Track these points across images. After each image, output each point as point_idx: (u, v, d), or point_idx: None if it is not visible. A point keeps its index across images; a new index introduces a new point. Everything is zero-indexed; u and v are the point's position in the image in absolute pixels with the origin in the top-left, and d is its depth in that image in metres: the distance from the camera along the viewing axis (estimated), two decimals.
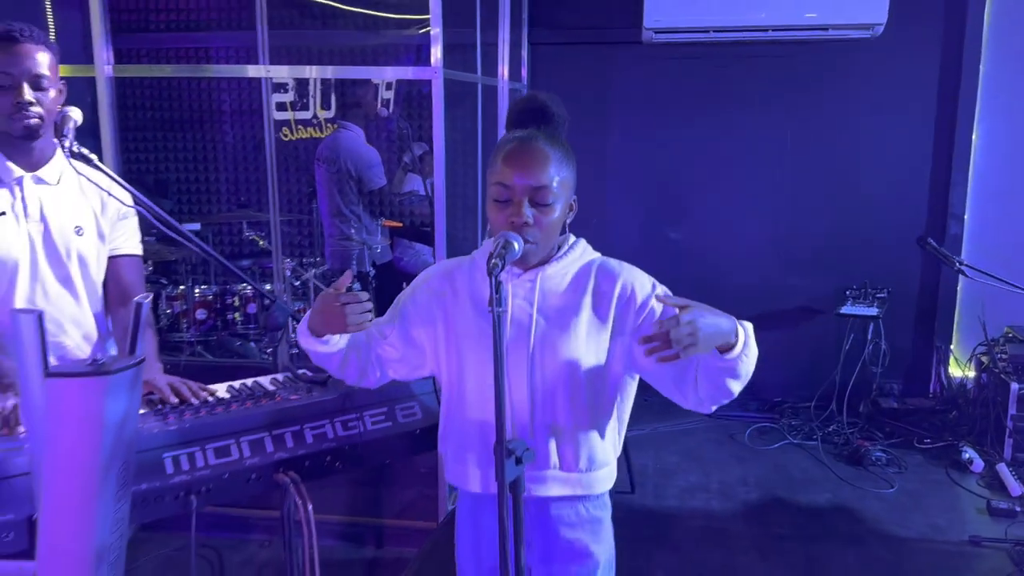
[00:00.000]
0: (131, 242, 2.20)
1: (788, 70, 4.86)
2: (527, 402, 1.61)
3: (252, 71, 3.17)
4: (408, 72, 3.02)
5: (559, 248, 1.69)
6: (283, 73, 2.99)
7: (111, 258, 2.15)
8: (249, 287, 3.98)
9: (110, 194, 2.11)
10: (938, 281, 4.86)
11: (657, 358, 1.43)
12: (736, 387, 1.55)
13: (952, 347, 4.91)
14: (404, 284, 4.28)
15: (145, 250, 4.11)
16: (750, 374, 1.54)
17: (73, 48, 4.40)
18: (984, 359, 4.49)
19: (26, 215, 1.98)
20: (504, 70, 4.16)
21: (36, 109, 1.90)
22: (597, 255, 1.74)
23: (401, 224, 4.55)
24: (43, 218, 2.00)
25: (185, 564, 3.21)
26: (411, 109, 5.42)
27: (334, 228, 4.39)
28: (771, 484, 4.07)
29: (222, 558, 3.37)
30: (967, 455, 4.16)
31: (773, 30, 4.54)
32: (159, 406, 1.80)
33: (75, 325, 2.06)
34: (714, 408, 1.62)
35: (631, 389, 1.72)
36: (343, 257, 4.34)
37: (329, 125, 5.65)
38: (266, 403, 1.81)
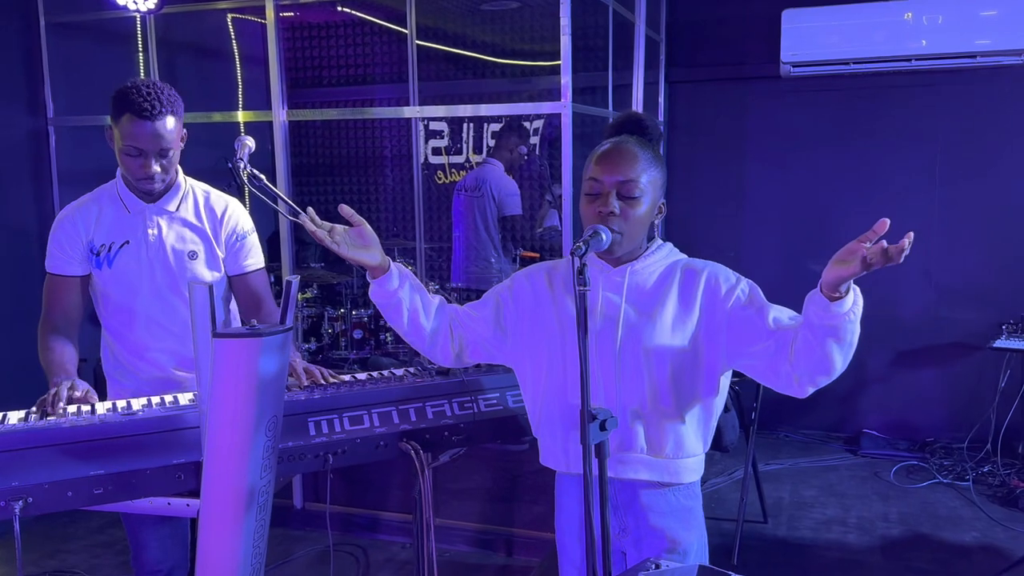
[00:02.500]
0: (255, 259, 2.39)
1: (935, 100, 4.76)
2: (615, 389, 1.74)
3: (407, 112, 3.55)
4: (540, 108, 3.29)
5: (647, 248, 1.85)
6: (431, 112, 3.34)
7: (241, 276, 2.38)
8: None
9: (220, 219, 2.34)
10: None
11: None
12: (838, 358, 1.57)
13: None
14: None
15: (310, 275, 4.63)
16: (854, 346, 1.57)
17: (257, 99, 5.03)
18: None
19: (147, 243, 2.25)
20: (639, 107, 4.37)
21: (160, 175, 2.15)
22: (684, 256, 1.87)
23: (539, 255, 4.81)
24: (162, 245, 2.25)
25: (336, 559, 3.54)
26: (555, 150, 5.72)
27: (471, 252, 4.72)
28: (915, 521, 3.92)
29: (368, 556, 3.67)
30: None
31: (917, 59, 4.49)
32: (307, 385, 2.09)
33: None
34: (811, 390, 1.66)
35: (722, 383, 1.80)
36: (478, 279, 4.66)
37: None
38: (394, 383, 2.07)
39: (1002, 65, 4.38)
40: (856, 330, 1.56)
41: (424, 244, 3.79)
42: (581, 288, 1.54)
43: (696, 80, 5.16)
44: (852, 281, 1.52)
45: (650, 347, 1.73)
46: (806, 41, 4.67)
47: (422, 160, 3.81)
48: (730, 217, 5.09)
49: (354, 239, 1.79)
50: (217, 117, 4.04)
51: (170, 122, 2.12)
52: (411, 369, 2.28)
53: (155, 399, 2.01)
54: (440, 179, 6.09)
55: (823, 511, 4.08)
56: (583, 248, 1.58)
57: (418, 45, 4.01)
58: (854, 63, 4.63)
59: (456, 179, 6.10)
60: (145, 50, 4.26)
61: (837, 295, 1.52)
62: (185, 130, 2.24)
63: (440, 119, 5.84)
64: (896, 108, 4.84)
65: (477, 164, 6.13)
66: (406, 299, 1.84)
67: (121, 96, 2.09)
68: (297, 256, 4.06)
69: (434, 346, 1.90)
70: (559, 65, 3.35)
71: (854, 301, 1.54)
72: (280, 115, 3.70)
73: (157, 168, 2.14)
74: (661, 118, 5.08)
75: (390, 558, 3.68)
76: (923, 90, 4.76)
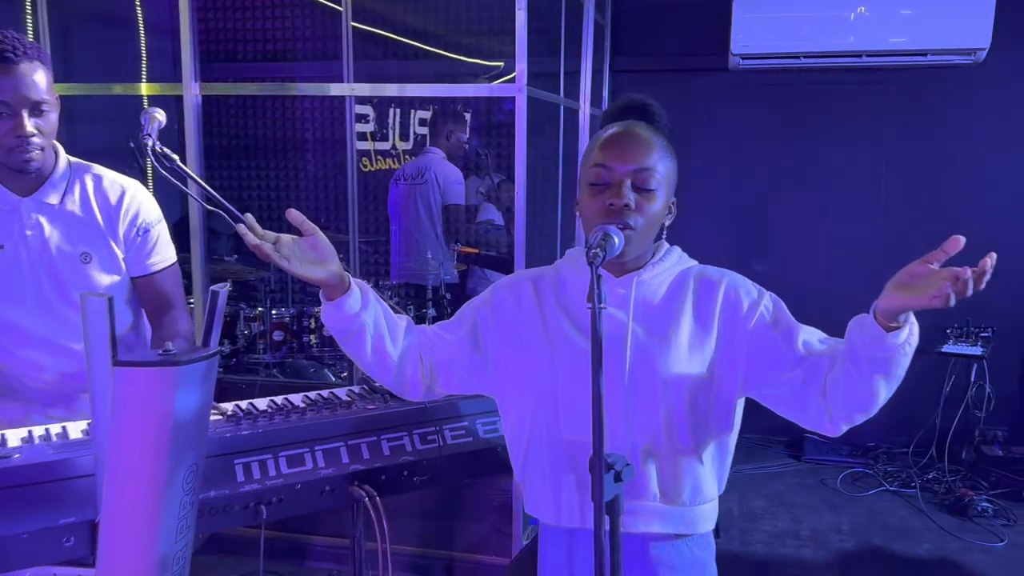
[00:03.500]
0: (162, 255, 2.03)
1: (883, 98, 4.65)
2: (622, 424, 1.46)
3: (336, 89, 3.15)
4: (492, 90, 2.96)
5: (653, 254, 1.56)
6: (367, 91, 2.97)
7: (146, 277, 2.00)
8: None
9: (117, 209, 1.94)
10: None
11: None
12: (883, 394, 1.35)
13: None
14: None
15: (226, 270, 4.17)
16: (900, 380, 1.34)
17: (163, 72, 4.52)
18: None
19: (26, 246, 1.83)
20: (586, 96, 4.09)
21: (38, 140, 1.74)
22: (695, 262, 1.60)
23: (477, 251, 4.48)
24: (45, 248, 1.85)
25: None
26: (489, 138, 5.39)
27: (411, 246, 4.35)
28: (867, 533, 3.79)
29: None
30: None
31: (868, 55, 4.35)
32: (230, 414, 1.72)
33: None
34: (845, 428, 1.43)
35: (737, 413, 1.55)
36: (416, 275, 4.30)
37: (408, 157, 5.67)
38: (342, 412, 1.72)
39: (954, 65, 4.28)
40: (908, 363, 1.33)
41: (359, 238, 3.40)
42: (598, 306, 1.23)
43: (642, 70, 4.92)
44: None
45: (665, 374, 1.45)
46: (757, 33, 4.48)
47: (350, 145, 3.42)
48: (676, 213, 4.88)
49: (306, 252, 1.42)
50: (118, 89, 3.55)
51: (40, 72, 1.70)
52: (356, 389, 1.93)
53: (38, 431, 1.60)
54: (366, 166, 5.68)
55: (774, 523, 3.90)
56: (601, 255, 1.28)
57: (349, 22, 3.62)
58: (804, 57, 4.46)
59: (382, 167, 5.71)
60: (34, 12, 3.71)
61: (894, 325, 1.28)
62: (57, 97, 1.80)
63: (365, 102, 5.43)
64: (845, 105, 4.71)
65: (405, 151, 5.77)
66: (370, 323, 1.49)
67: None
68: (208, 247, 3.61)
69: (401, 378, 1.56)
70: (498, 49, 3.02)
71: (910, 331, 1.30)
72: (192, 89, 3.25)
73: (32, 128, 1.70)
74: (605, 107, 4.81)
75: None
76: (873, 88, 4.64)
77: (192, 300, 3.38)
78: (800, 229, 4.87)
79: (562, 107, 3.69)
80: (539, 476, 1.53)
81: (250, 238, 1.37)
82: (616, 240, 1.36)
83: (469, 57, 5.16)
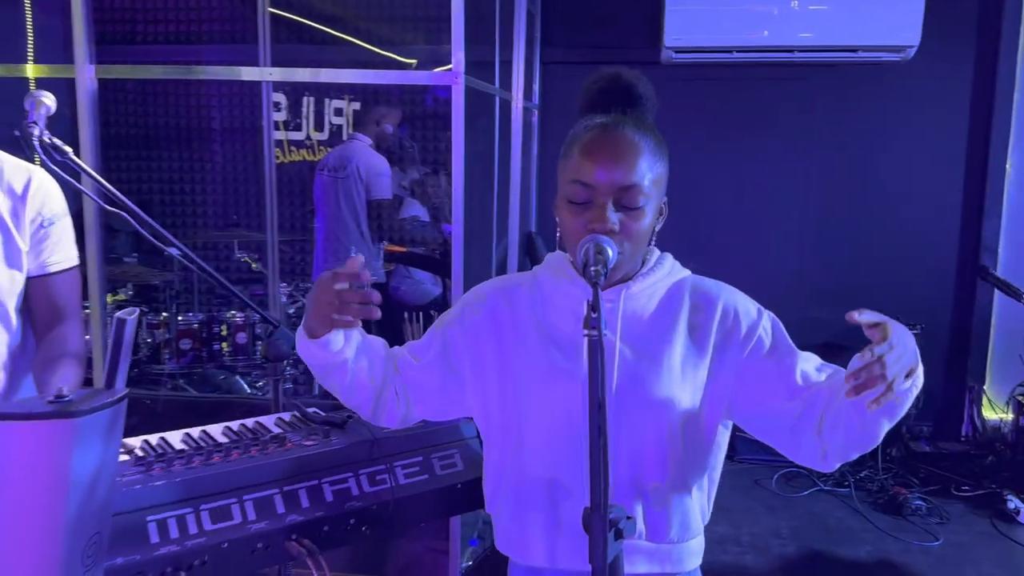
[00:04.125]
0: (63, 254, 1.75)
1: (815, 94, 4.62)
2: (608, 454, 1.28)
3: (248, 73, 2.84)
4: (428, 78, 2.71)
5: (643, 263, 1.37)
6: (281, 77, 2.68)
7: (42, 278, 1.72)
8: (238, 315, 3.62)
9: (23, 196, 1.68)
10: (971, 317, 4.59)
11: (868, 402, 1.08)
12: (883, 432, 1.21)
13: (985, 387, 4.62)
14: (404, 315, 3.91)
15: (125, 272, 3.80)
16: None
17: (51, 54, 4.09)
18: None
19: None
20: (519, 88, 3.88)
21: None
22: (688, 272, 1.43)
23: (405, 249, 4.22)
24: None
25: None
26: (413, 130, 5.13)
27: (333, 243, 4.06)
28: (807, 536, 3.73)
29: None
30: (1012, 504, 3.86)
31: (800, 51, 4.30)
32: (138, 457, 1.44)
33: None
34: (837, 465, 1.28)
35: (725, 441, 1.39)
36: None
37: (323, 148, 5.37)
38: (274, 450, 1.46)
39: (884, 61, 4.27)
40: (913, 397, 1.19)
41: (277, 236, 3.10)
42: (593, 334, 1.04)
43: (573, 62, 4.75)
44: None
45: (655, 398, 1.28)
46: (691, 25, 4.38)
47: (267, 134, 3.13)
48: None
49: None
50: (0, 71, 3.14)
51: None
52: (287, 416, 1.68)
53: None
54: (279, 158, 5.34)
55: (713, 529, 3.75)
56: (604, 271, 1.09)
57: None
58: (737, 51, 4.38)
59: (296, 159, 5.39)
60: None
61: None
62: None
63: (278, 89, 5.09)
64: (777, 100, 4.66)
65: (320, 142, 5.45)
66: (352, 356, 1.31)
67: None
68: (105, 247, 3.25)
69: (379, 410, 1.37)
70: (422, 38, 2.78)
71: (920, 372, 1.16)
72: (86, 71, 2.89)
73: None
74: (535, 101, 4.63)
75: None
76: (804, 83, 4.60)
77: (88, 306, 3.02)
78: (731, 225, 4.80)
79: (497, 99, 3.47)
80: (510, 511, 1.35)
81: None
82: (611, 252, 1.17)
83: (389, 49, 4.89)
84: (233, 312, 3.73)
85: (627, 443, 1.28)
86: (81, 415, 0.96)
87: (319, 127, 5.53)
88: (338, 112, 5.58)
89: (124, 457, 1.43)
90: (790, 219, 4.75)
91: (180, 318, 3.68)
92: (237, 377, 3.98)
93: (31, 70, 3.22)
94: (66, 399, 0.98)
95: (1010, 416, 4.40)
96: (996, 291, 4.48)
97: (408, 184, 4.97)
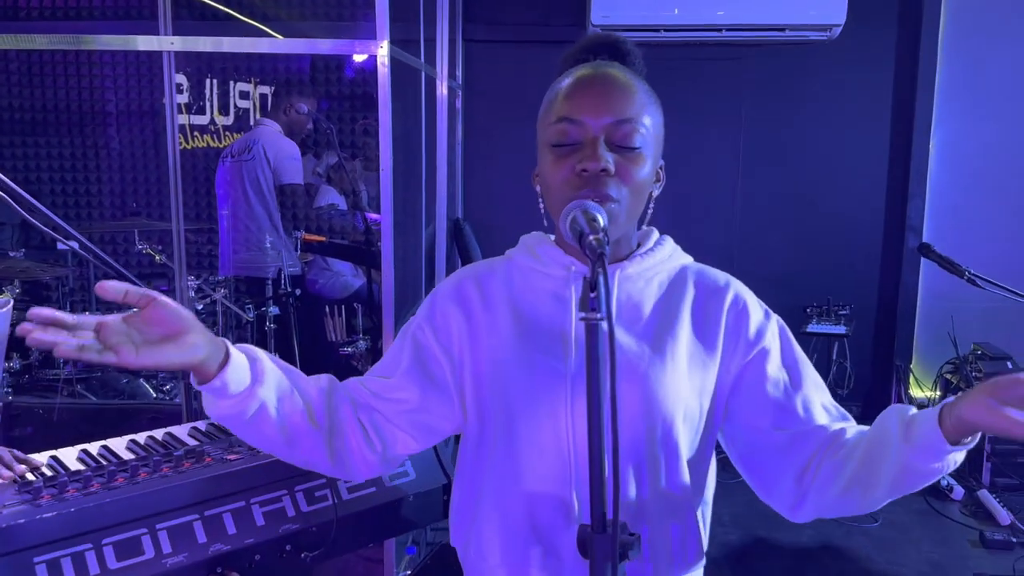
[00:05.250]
0: None
1: (742, 73, 4.56)
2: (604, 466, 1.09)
3: (146, 43, 2.54)
4: (349, 46, 2.48)
5: (639, 244, 1.20)
6: (183, 46, 2.39)
7: None
8: None
9: None
10: (896, 297, 4.62)
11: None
12: (885, 502, 1.06)
13: (912, 366, 4.67)
14: (325, 309, 3.64)
15: (11, 268, 3.42)
16: None
17: None
18: (952, 378, 4.24)
19: None
20: (443, 66, 3.68)
21: None
22: (690, 258, 1.25)
23: (323, 239, 3.95)
24: None
25: None
26: (328, 113, 4.84)
27: (241, 232, 3.77)
28: (748, 523, 3.66)
29: None
30: (945, 482, 3.89)
31: (728, 30, 4.23)
32: (23, 481, 1.19)
33: None
34: (807, 520, 1.14)
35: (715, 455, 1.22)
36: (251, 267, 3.72)
37: (228, 134, 5.04)
38: (191, 467, 1.22)
39: (810, 41, 4.24)
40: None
41: (183, 225, 2.82)
42: (592, 318, 0.86)
43: (497, 40, 4.56)
44: None
45: (658, 398, 1.08)
46: (618, 4, 4.27)
47: (170, 113, 2.83)
48: (526, 193, 4.58)
49: (147, 330, 0.95)
50: None
51: None
52: (201, 426, 1.44)
53: None
54: (183, 144, 4.97)
55: None
56: (606, 239, 0.90)
57: None
58: (665, 30, 4.29)
59: (200, 144, 5.04)
60: None
61: (965, 440, 0.95)
62: None
63: (179, 70, 4.72)
64: (705, 82, 4.58)
65: (225, 127, 5.12)
66: (272, 399, 1.04)
67: None
68: None
69: (342, 457, 1.11)
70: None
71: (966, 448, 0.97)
72: None
73: None
74: (459, 81, 4.42)
75: None
76: (731, 64, 4.54)
77: None
78: (659, 207, 4.70)
79: (423, 75, 3.26)
80: (490, 543, 1.13)
81: (41, 338, 0.87)
82: (601, 219, 0.98)
83: (298, 32, 4.60)
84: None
85: (626, 452, 1.09)
86: None
87: (224, 111, 5.18)
88: (244, 95, 5.24)
89: (2, 482, 1.18)
90: (718, 202, 4.69)
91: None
92: (141, 380, 3.65)
93: None
94: None
95: (937, 394, 4.45)
96: (922, 271, 4.53)
97: (324, 171, 4.69)
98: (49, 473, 1.21)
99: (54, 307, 2.94)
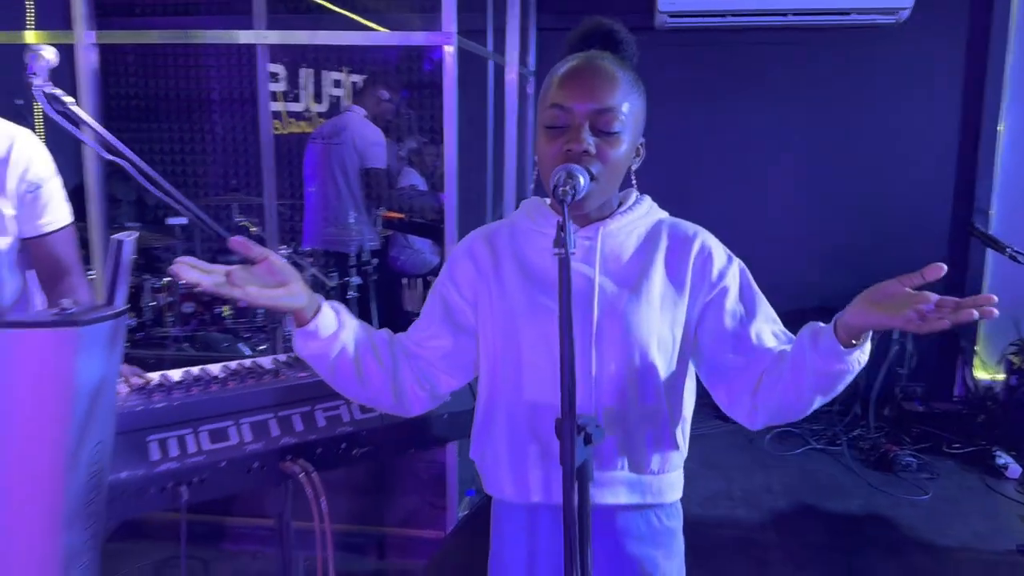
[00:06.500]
0: (55, 214, 1.83)
1: (808, 58, 4.65)
2: (589, 385, 1.33)
3: (245, 36, 2.89)
4: (418, 38, 2.76)
5: (621, 203, 1.43)
6: (277, 39, 2.73)
7: (39, 238, 1.80)
8: None
9: (6, 161, 1.72)
10: (964, 279, 4.64)
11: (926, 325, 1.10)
12: (815, 407, 1.28)
13: (977, 348, 4.68)
14: (403, 281, 3.96)
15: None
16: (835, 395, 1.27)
17: (50, 21, 4.14)
18: (1015, 360, 4.26)
19: None
20: (514, 53, 3.92)
21: None
22: (666, 214, 1.47)
23: (402, 216, 4.28)
24: None
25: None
26: (411, 100, 5.17)
27: (327, 210, 4.13)
28: (798, 491, 3.81)
29: (209, 570, 3.09)
30: (1002, 460, 3.94)
31: (794, 14, 4.33)
32: (140, 386, 1.51)
33: None
34: (762, 427, 1.36)
35: (693, 380, 1.45)
36: (336, 242, 4.08)
37: (321, 120, 5.42)
38: (269, 381, 1.53)
39: (877, 24, 4.30)
40: (850, 380, 1.24)
41: (275, 200, 3.17)
42: (561, 253, 1.10)
43: (569, 28, 4.76)
44: None
45: (635, 330, 1.32)
46: None
47: (263, 100, 3.18)
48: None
49: (262, 277, 1.22)
50: (1, 37, 3.20)
51: None
52: (282, 357, 1.75)
53: None
54: (277, 128, 5.39)
55: (707, 485, 3.89)
56: (571, 192, 1.14)
57: None
58: (732, 16, 4.41)
59: (295, 130, 5.45)
60: None
61: (854, 342, 1.18)
62: None
63: (276, 61, 5.13)
64: (771, 66, 4.69)
65: (319, 114, 5.50)
66: (351, 343, 1.32)
67: None
68: (108, 216, 3.32)
69: (401, 396, 1.39)
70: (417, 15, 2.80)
71: (864, 350, 1.20)
72: (85, 37, 2.94)
73: None
74: (531, 68, 4.66)
75: (239, 570, 3.11)
76: (798, 47, 4.63)
77: (92, 272, 3.10)
78: (725, 189, 4.85)
79: (491, 64, 3.51)
80: (499, 449, 1.39)
81: (192, 278, 1.13)
82: (582, 180, 1.22)
83: (385, 21, 4.91)
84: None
85: (609, 374, 1.33)
86: (84, 324, 1.04)
87: (318, 99, 5.58)
88: (336, 84, 5.62)
89: (125, 389, 1.50)
90: (784, 183, 4.80)
91: (182, 282, 3.76)
92: (240, 345, 4.05)
93: (31, 36, 3.28)
94: (70, 311, 1.05)
95: (1001, 376, 4.47)
96: (988, 253, 4.53)
97: (406, 154, 5.03)
98: (159, 382, 1.54)
99: (166, 273, 3.36)
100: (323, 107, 5.56)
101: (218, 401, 1.42)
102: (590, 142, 1.27)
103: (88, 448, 1.13)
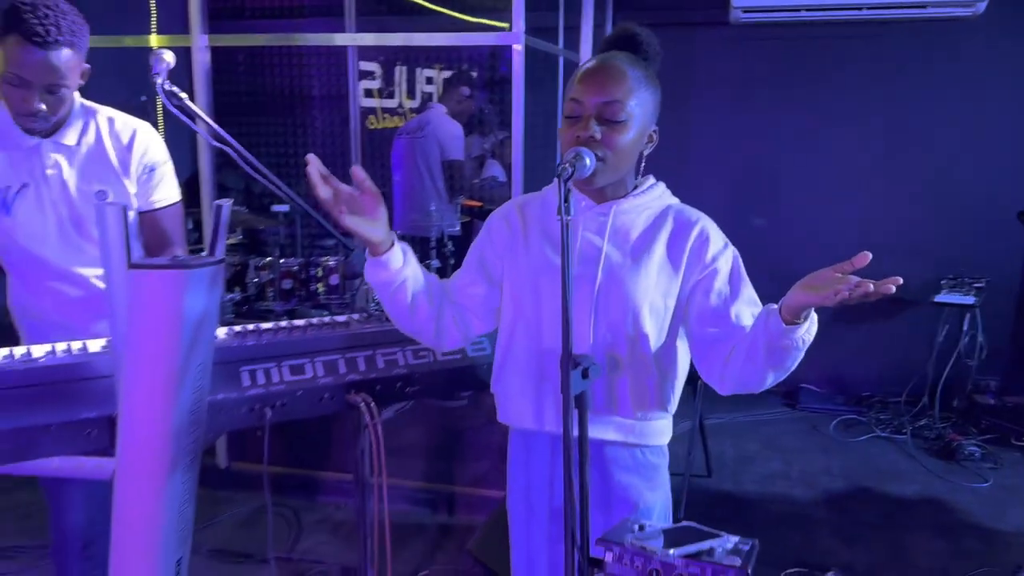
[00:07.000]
0: (165, 192, 2.11)
1: (884, 51, 4.69)
2: (590, 335, 1.56)
3: (340, 39, 3.24)
4: (487, 38, 3.04)
5: (637, 187, 1.65)
6: (368, 41, 3.05)
7: (149, 212, 2.08)
8: (332, 259, 4.06)
9: (129, 147, 2.03)
10: None
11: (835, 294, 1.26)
12: (770, 380, 1.46)
13: None
14: None
15: (236, 216, 4.29)
16: (790, 372, 1.45)
17: (170, 26, 4.61)
18: None
19: (47, 185, 1.94)
20: (587, 49, 4.14)
21: (44, 113, 1.84)
22: (676, 200, 1.69)
23: (480, 204, 4.59)
24: (64, 187, 1.95)
25: (263, 523, 3.31)
26: (492, 95, 5.46)
27: (412, 198, 4.48)
28: (857, 475, 3.91)
29: (299, 518, 3.45)
30: None
31: (868, 8, 4.38)
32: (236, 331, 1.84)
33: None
34: (731, 392, 1.55)
35: (686, 348, 1.65)
36: (418, 227, 4.43)
37: (413, 114, 5.76)
38: (340, 330, 1.84)
39: (954, 17, 4.31)
40: (799, 358, 1.43)
41: None
42: (565, 217, 1.34)
43: (643, 24, 4.94)
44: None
45: (632, 295, 1.55)
46: None
47: (353, 97, 3.52)
48: (674, 167, 4.88)
49: (361, 208, 1.50)
50: (129, 42, 3.65)
51: (66, 54, 1.78)
52: (356, 316, 2.05)
53: (60, 346, 1.73)
54: (372, 124, 5.78)
55: (766, 465, 4.04)
56: (569, 170, 1.38)
57: None
58: (806, 10, 4.48)
59: (389, 125, 5.81)
60: None
61: (796, 320, 1.37)
62: (88, 65, 1.89)
63: (372, 60, 5.51)
64: (846, 59, 4.75)
65: (412, 109, 5.85)
66: (410, 278, 1.59)
67: (12, 12, 1.74)
68: (217, 199, 3.74)
69: (441, 332, 1.67)
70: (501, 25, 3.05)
71: (807, 329, 1.39)
72: (200, 40, 3.35)
73: (42, 105, 1.81)
74: None
75: (324, 519, 3.47)
76: (872, 40, 4.68)
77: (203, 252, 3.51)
78: (799, 183, 4.94)
79: (561, 59, 3.76)
80: (514, 384, 1.64)
81: (316, 176, 1.44)
82: (588, 160, 1.45)
83: (474, 16, 5.20)
84: (327, 257, 4.16)
85: (604, 331, 1.56)
86: (192, 267, 1.35)
87: (411, 95, 5.93)
88: (429, 80, 5.96)
89: (222, 332, 1.83)
90: (856, 175, 4.85)
91: (282, 261, 4.14)
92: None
93: (154, 40, 3.73)
94: (181, 259, 1.37)
95: None
96: None
97: (490, 146, 5.33)
98: (250, 328, 1.86)
99: (268, 253, 3.76)
100: (415, 103, 5.90)
101: (298, 342, 1.73)
102: (596, 130, 1.50)
103: (193, 367, 1.44)
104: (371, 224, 1.51)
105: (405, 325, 1.67)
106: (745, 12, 4.54)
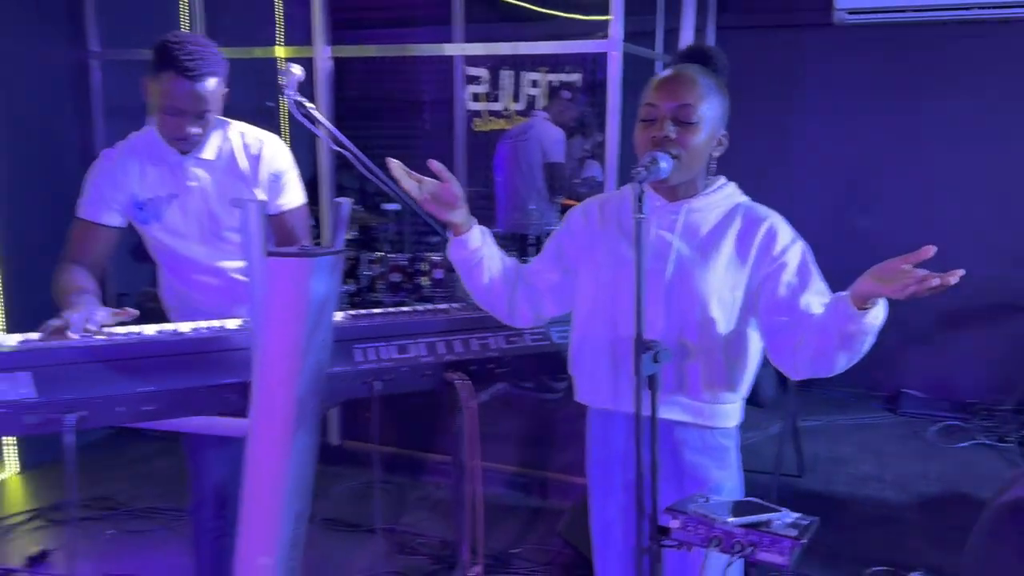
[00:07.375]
0: (291, 196, 2.32)
1: (991, 51, 4.59)
2: (660, 331, 1.68)
3: (447, 49, 3.48)
4: (584, 46, 3.22)
5: (708, 187, 1.78)
6: (474, 51, 3.28)
7: (277, 215, 2.29)
8: (437, 255, 4.32)
9: (258, 158, 2.26)
10: None
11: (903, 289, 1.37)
12: (841, 364, 1.55)
13: None
14: None
15: (351, 217, 4.61)
16: (861, 355, 1.54)
17: (293, 38, 4.99)
18: None
19: (190, 195, 2.17)
20: None
21: (197, 135, 2.08)
22: (746, 198, 1.79)
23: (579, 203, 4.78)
24: (205, 196, 2.18)
25: (371, 496, 3.59)
26: (594, 99, 5.61)
27: (514, 198, 4.71)
28: (954, 480, 3.87)
29: (402, 494, 3.71)
30: None
31: (976, 8, 4.31)
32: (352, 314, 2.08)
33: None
34: (801, 378, 1.66)
35: (757, 338, 1.74)
36: (519, 225, 4.65)
37: (518, 117, 5.98)
38: (441, 315, 2.06)
39: None
40: (870, 342, 1.52)
41: (467, 188, 3.76)
42: (638, 216, 1.49)
43: (747, 26, 5.01)
44: None
45: (700, 288, 1.68)
46: None
47: (458, 102, 3.77)
48: (779, 169, 4.95)
49: (442, 195, 1.73)
50: (258, 52, 4.00)
51: (212, 83, 2.04)
52: (455, 305, 2.27)
53: (204, 324, 2.01)
54: (477, 126, 6.03)
55: (859, 467, 4.04)
56: (644, 173, 1.53)
57: None
58: (912, 11, 4.45)
59: (494, 127, 6.05)
60: None
61: (866, 306, 1.47)
62: (227, 89, 2.15)
63: (480, 65, 5.76)
64: (953, 60, 4.68)
65: (516, 112, 6.07)
66: (487, 256, 1.80)
67: (163, 51, 2.01)
68: (335, 198, 4.06)
69: (513, 309, 1.86)
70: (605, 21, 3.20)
71: (876, 315, 1.48)
72: (322, 51, 3.65)
73: (195, 129, 2.08)
74: None
75: (424, 496, 3.72)
76: (982, 41, 4.59)
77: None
78: (906, 183, 4.88)
79: (659, 64, 3.88)
80: (592, 366, 1.78)
81: (398, 173, 1.70)
82: (663, 164, 1.59)
83: (584, 15, 5.33)
84: (433, 253, 4.44)
85: (675, 319, 1.69)
86: (315, 256, 1.58)
87: (516, 98, 6.15)
88: (534, 84, 6.17)
89: (339, 316, 2.07)
90: (966, 177, 4.76)
91: (391, 256, 4.44)
92: None
93: (280, 51, 4.07)
94: (308, 248, 1.60)
95: None
96: None
97: (591, 147, 5.51)
98: (364, 312, 2.10)
99: (379, 248, 4.09)
100: (520, 106, 6.12)
101: (404, 325, 1.95)
102: (671, 131, 1.64)
103: (315, 344, 1.67)
104: (451, 208, 1.73)
105: (481, 298, 1.87)
106: (850, 13, 4.54)
